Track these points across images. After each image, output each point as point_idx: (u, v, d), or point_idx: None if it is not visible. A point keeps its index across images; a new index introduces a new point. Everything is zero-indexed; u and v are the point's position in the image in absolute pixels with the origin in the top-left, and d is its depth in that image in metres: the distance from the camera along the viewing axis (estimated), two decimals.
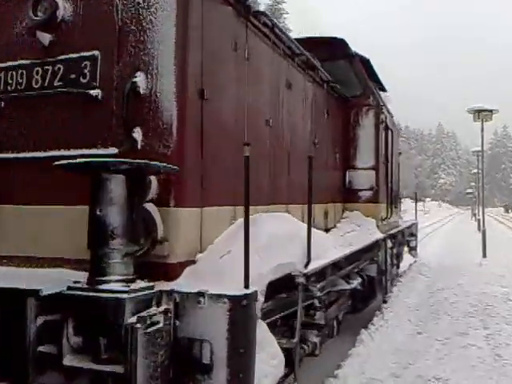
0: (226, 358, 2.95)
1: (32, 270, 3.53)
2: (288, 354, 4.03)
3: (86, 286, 2.90)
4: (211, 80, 3.76)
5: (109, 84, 3.55)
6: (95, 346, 2.79)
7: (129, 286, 2.87)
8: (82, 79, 3.61)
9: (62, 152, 3.60)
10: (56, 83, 3.69)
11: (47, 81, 3.73)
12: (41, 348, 2.99)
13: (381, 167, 8.48)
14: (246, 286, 3.09)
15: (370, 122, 8.35)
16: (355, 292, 6.69)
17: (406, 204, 23.59)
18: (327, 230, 7.17)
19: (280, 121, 5.30)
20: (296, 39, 6.03)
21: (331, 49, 8.25)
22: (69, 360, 2.86)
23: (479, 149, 23.11)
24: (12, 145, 3.82)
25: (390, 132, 9.29)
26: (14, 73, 3.82)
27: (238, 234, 3.62)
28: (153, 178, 3.32)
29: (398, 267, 11.70)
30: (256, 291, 3.16)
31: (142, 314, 2.77)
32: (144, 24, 3.47)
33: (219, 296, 2.98)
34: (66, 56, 3.67)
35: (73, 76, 3.63)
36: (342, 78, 8.15)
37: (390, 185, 9.38)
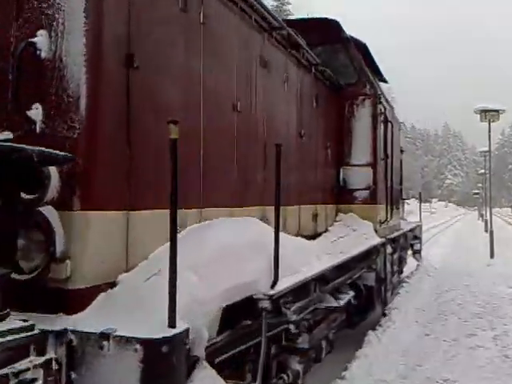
0: None
1: None
2: None
3: None
4: (145, 44, 2.88)
5: (4, 47, 2.65)
6: None
7: None
8: None
9: None
10: None
11: None
12: None
13: (379, 164, 7.60)
14: (172, 325, 2.18)
15: (366, 113, 7.49)
16: (350, 305, 5.81)
17: (413, 205, 23.26)
18: (317, 235, 6.29)
19: (252, 105, 4.40)
20: (284, 21, 5.17)
21: (324, 32, 7.41)
22: None
23: (486, 149, 23.23)
24: None
25: (389, 125, 8.36)
26: None
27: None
28: (53, 172, 2.44)
29: (400, 273, 10.90)
30: (186, 330, 2.24)
31: (3, 370, 1.86)
32: None
33: (128, 340, 2.07)
34: None
35: None
36: (335, 64, 7.33)
37: (389, 184, 8.49)
